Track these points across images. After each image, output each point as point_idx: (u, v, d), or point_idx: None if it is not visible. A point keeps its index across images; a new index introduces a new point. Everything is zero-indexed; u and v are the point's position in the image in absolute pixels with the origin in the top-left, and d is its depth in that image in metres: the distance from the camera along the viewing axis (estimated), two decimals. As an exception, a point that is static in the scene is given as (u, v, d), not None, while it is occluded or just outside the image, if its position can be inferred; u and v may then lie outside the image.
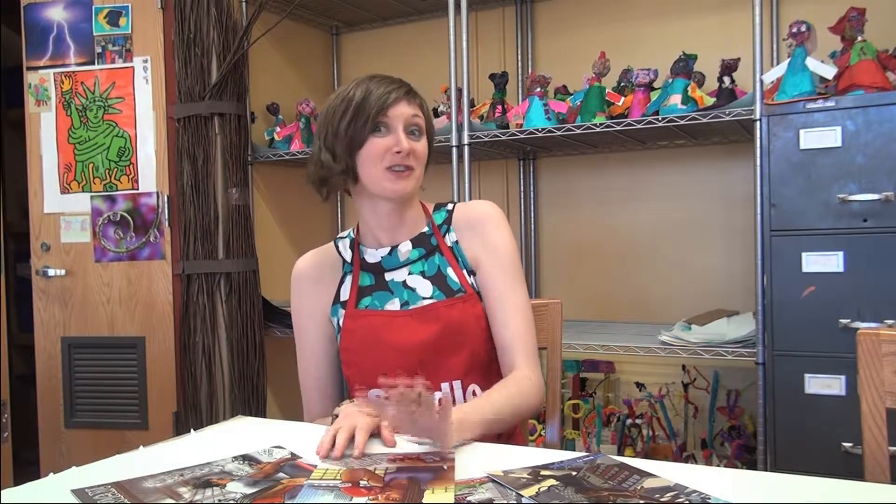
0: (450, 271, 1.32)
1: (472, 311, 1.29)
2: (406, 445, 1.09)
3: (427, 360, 1.26)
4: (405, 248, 1.33)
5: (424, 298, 1.30)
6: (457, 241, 1.34)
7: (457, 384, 1.27)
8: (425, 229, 1.35)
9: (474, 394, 1.28)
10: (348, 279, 1.36)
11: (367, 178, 1.27)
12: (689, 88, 2.13)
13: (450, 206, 1.38)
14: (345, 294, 1.35)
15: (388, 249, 1.33)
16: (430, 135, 1.34)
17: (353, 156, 1.26)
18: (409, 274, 1.32)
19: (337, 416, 1.19)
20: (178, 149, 2.53)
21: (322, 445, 1.06)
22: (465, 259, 1.33)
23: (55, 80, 2.60)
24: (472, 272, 1.33)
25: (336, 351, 1.38)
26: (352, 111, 1.25)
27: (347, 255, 1.36)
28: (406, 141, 1.25)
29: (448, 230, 1.35)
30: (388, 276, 1.33)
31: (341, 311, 1.34)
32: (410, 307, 1.30)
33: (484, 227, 1.34)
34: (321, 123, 1.31)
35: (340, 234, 1.41)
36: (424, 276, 1.32)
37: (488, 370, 1.30)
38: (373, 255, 1.34)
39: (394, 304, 1.31)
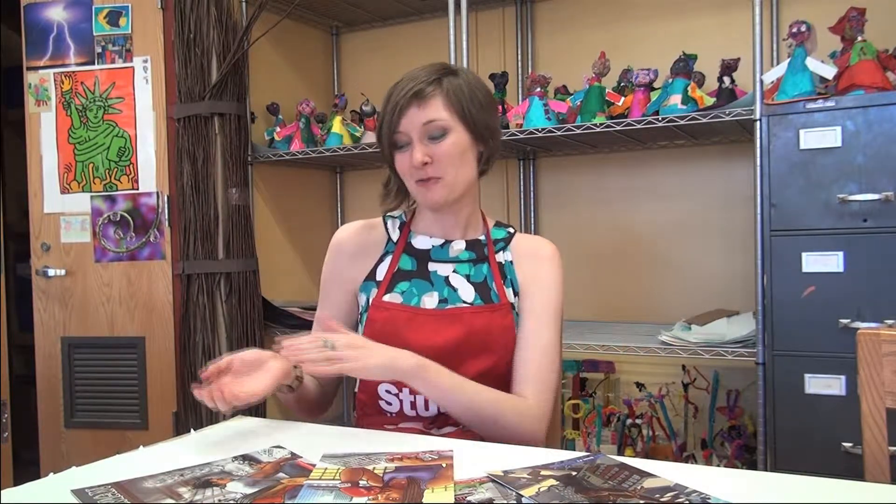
0: (494, 284, 1.31)
1: (500, 322, 1.28)
2: (406, 445, 1.09)
3: (443, 362, 1.24)
4: (458, 245, 1.33)
5: (464, 302, 1.29)
6: (510, 262, 1.34)
7: None
8: (481, 237, 1.35)
9: None
10: (388, 259, 1.34)
11: (408, 189, 1.31)
12: (689, 88, 2.14)
13: (511, 230, 1.38)
14: (381, 274, 1.34)
15: (440, 241, 1.33)
16: (468, 123, 1.25)
17: (395, 170, 1.30)
18: (454, 272, 1.32)
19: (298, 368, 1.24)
20: (178, 149, 2.53)
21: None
22: (515, 280, 1.33)
23: (55, 80, 2.60)
24: (517, 294, 1.33)
25: (350, 323, 1.37)
26: (378, 125, 1.29)
27: (395, 235, 1.36)
28: (420, 152, 1.23)
29: (504, 249, 1.35)
30: (431, 267, 1.32)
31: (374, 290, 1.33)
32: (448, 307, 1.29)
33: (543, 263, 1.34)
34: None
35: (391, 213, 1.39)
36: (469, 280, 1.31)
37: (503, 382, 1.28)
38: (423, 242, 1.34)
39: (432, 298, 1.30)
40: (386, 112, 1.25)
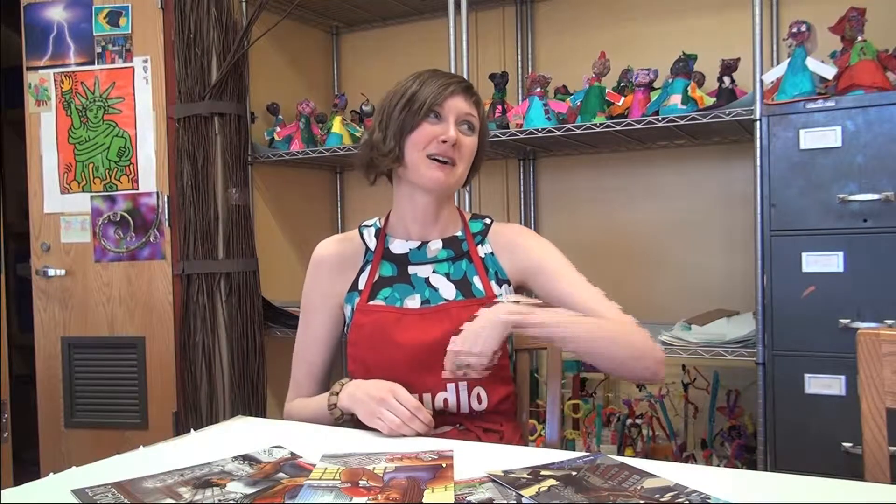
0: (476, 279, 1.32)
1: None
2: (406, 445, 1.09)
3: (434, 360, 1.25)
4: (435, 245, 1.34)
5: (447, 301, 1.30)
6: (492, 253, 1.36)
7: (462, 385, 1.27)
8: (458, 233, 1.36)
9: (478, 397, 1.28)
10: (368, 268, 1.36)
11: (410, 163, 1.30)
12: (689, 88, 2.13)
13: (487, 221, 1.40)
14: (362, 283, 1.35)
15: (417, 243, 1.34)
16: (482, 136, 1.35)
17: (403, 138, 1.29)
18: (434, 272, 1.33)
19: (337, 392, 1.23)
20: (178, 149, 2.53)
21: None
22: (500, 270, 1.34)
23: (55, 80, 2.60)
24: (504, 282, 1.34)
25: (337, 340, 1.39)
26: (408, 97, 1.28)
27: (372, 244, 1.37)
28: (455, 132, 1.27)
29: (483, 241, 1.37)
30: (411, 270, 1.33)
31: (357, 300, 1.34)
32: (431, 306, 1.30)
33: (524, 245, 1.36)
34: (377, 110, 1.35)
35: (366, 223, 1.41)
36: (449, 279, 1.32)
37: (496, 375, 1.29)
38: (400, 246, 1.35)
39: (414, 300, 1.31)
40: (430, 83, 1.28)
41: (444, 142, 1.26)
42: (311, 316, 1.39)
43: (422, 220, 1.34)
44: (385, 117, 1.31)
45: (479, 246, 1.36)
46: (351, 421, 1.29)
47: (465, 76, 2.34)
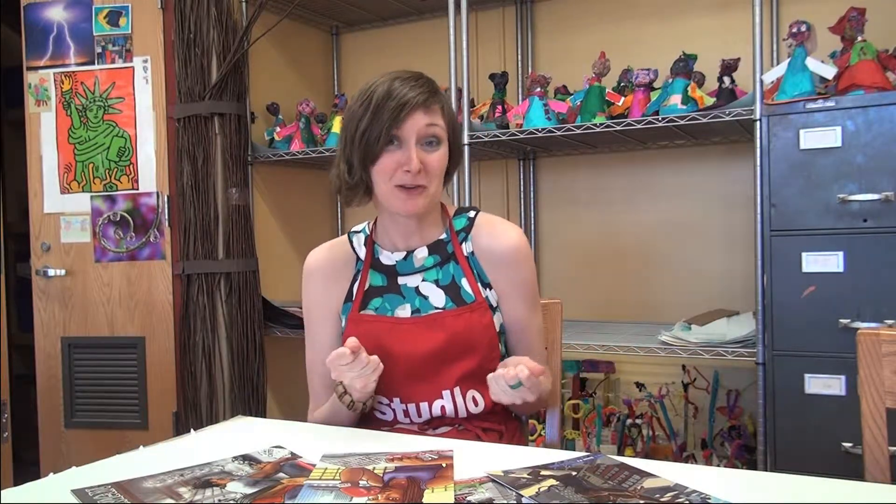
0: (464, 281, 1.30)
1: (481, 321, 1.28)
2: (406, 445, 1.09)
3: (430, 369, 1.25)
4: (421, 254, 1.32)
5: (436, 308, 1.29)
6: (472, 253, 1.33)
7: (457, 390, 1.27)
8: (443, 236, 1.33)
9: (474, 400, 1.28)
10: (360, 277, 1.34)
11: (379, 193, 1.26)
12: (689, 88, 2.13)
13: (471, 214, 1.35)
14: (355, 293, 1.34)
15: (403, 254, 1.32)
16: (452, 138, 1.30)
17: (367, 170, 1.25)
18: (423, 281, 1.31)
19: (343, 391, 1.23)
20: (178, 149, 2.53)
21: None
22: (481, 272, 1.32)
23: (55, 80, 2.60)
24: (487, 285, 1.32)
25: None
26: (367, 119, 1.22)
27: (361, 253, 1.35)
28: (417, 158, 1.21)
29: (466, 238, 1.33)
30: (401, 281, 1.32)
31: (350, 311, 1.33)
32: (421, 315, 1.29)
33: (511, 265, 1.32)
34: (342, 126, 1.30)
35: (355, 228, 1.39)
36: (438, 285, 1.31)
37: (485, 381, 1.29)
38: (388, 258, 1.33)
39: (405, 310, 1.30)
40: (384, 108, 1.21)
41: (409, 171, 1.21)
42: (313, 327, 1.38)
43: (404, 232, 1.32)
44: (347, 143, 1.26)
45: (463, 244, 1.33)
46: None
47: (464, 76, 2.35)
